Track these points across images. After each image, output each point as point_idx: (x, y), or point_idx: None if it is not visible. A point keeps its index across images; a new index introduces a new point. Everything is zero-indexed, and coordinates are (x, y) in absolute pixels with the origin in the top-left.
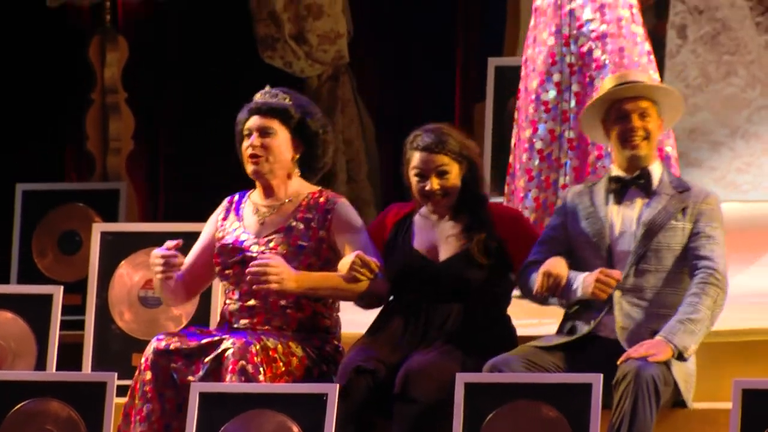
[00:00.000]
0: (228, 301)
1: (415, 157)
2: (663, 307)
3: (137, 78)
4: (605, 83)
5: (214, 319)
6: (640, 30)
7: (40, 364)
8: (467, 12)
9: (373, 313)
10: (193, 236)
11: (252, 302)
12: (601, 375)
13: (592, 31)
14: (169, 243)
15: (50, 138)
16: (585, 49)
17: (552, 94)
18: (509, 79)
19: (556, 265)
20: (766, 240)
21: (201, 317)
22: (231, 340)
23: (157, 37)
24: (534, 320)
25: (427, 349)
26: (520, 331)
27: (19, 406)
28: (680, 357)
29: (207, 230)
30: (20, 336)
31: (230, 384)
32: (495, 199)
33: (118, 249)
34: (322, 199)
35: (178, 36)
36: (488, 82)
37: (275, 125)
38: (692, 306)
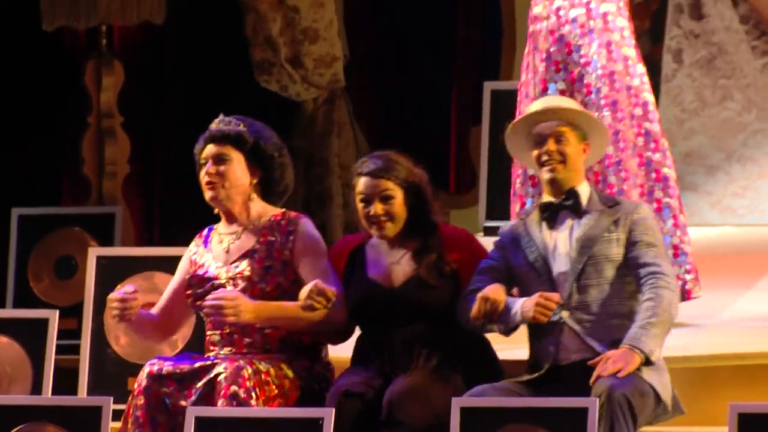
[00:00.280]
0: (209, 333)
1: (360, 183)
2: (612, 318)
3: (133, 102)
4: (529, 107)
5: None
6: (632, 52)
7: (36, 389)
8: (464, 36)
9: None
10: None
11: (229, 329)
12: (597, 399)
13: (582, 56)
14: (128, 288)
15: (46, 162)
16: (575, 74)
17: None
18: (505, 103)
19: (494, 290)
20: (762, 264)
21: (197, 341)
22: (223, 365)
23: (153, 62)
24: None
25: (406, 373)
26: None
27: (14, 430)
28: (647, 362)
29: (180, 269)
30: (16, 360)
31: (226, 408)
32: (497, 223)
33: (113, 273)
34: (284, 221)
35: (174, 60)
36: (484, 106)
37: (230, 151)
38: (650, 310)
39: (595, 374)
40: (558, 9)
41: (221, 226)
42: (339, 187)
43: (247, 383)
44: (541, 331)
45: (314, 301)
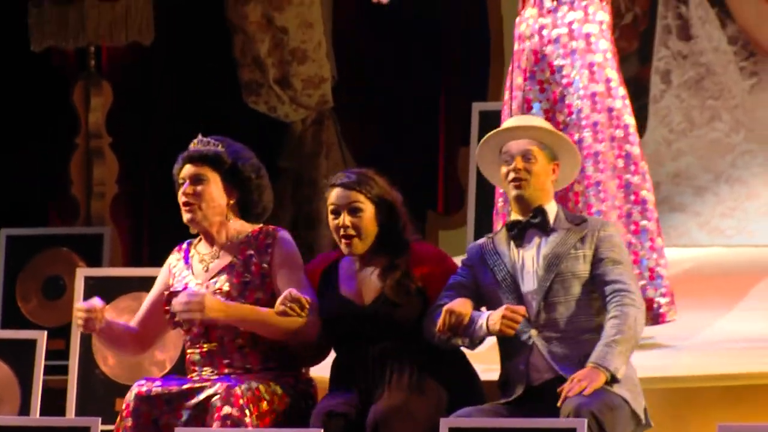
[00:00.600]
0: (189, 351)
1: (332, 194)
2: (581, 333)
3: (121, 123)
4: (502, 125)
5: None
6: (614, 74)
7: (24, 410)
8: (452, 57)
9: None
10: None
11: (207, 347)
12: (585, 420)
13: (564, 76)
14: (95, 301)
15: (34, 182)
16: (557, 94)
17: None
18: (494, 124)
19: (460, 304)
20: (748, 284)
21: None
22: (215, 386)
23: (141, 82)
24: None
25: (383, 390)
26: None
27: None
28: (613, 379)
29: (158, 282)
30: (4, 381)
31: (220, 429)
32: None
33: (102, 294)
34: (261, 235)
35: (163, 81)
36: (473, 126)
37: (207, 172)
38: (615, 328)
39: (562, 396)
40: (541, 28)
41: (201, 246)
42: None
43: (240, 401)
44: (511, 350)
45: (287, 308)
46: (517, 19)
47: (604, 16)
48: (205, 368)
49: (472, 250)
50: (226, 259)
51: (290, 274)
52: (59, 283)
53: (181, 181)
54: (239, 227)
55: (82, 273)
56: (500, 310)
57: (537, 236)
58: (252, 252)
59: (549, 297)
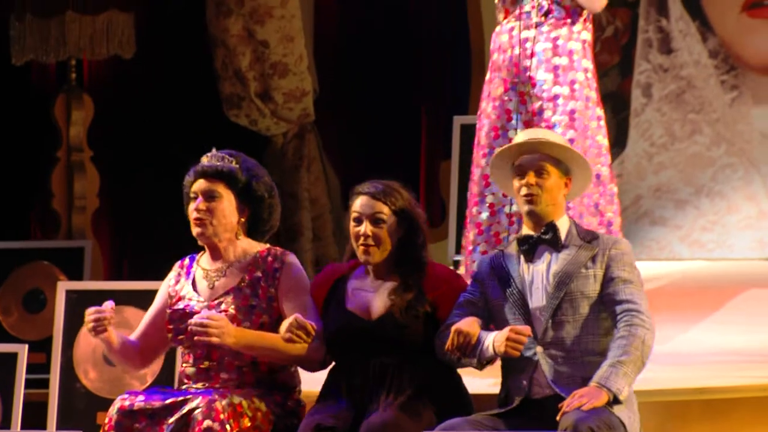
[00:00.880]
0: (184, 364)
1: (356, 202)
2: (587, 354)
3: (102, 136)
4: (515, 138)
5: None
6: (593, 94)
7: (5, 423)
8: (433, 71)
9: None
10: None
11: (207, 364)
12: None
13: (545, 91)
14: (107, 303)
15: (15, 196)
16: (536, 108)
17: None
18: (474, 138)
19: (469, 324)
20: (728, 298)
21: (166, 376)
22: (197, 400)
23: (122, 96)
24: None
25: (379, 407)
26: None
27: None
28: (615, 400)
29: (159, 296)
30: None
31: None
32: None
33: (83, 307)
34: (270, 258)
35: (144, 94)
36: (454, 140)
37: (221, 188)
38: (621, 348)
39: (561, 411)
40: (525, 41)
41: (205, 261)
42: (309, 221)
43: (221, 416)
44: (515, 365)
45: (294, 335)
46: (498, 29)
47: (587, 35)
48: (199, 383)
49: (482, 263)
50: (233, 279)
51: (296, 299)
52: (40, 296)
53: (193, 195)
54: (247, 246)
55: (63, 286)
56: (504, 332)
57: (548, 252)
58: (260, 274)
59: (557, 315)
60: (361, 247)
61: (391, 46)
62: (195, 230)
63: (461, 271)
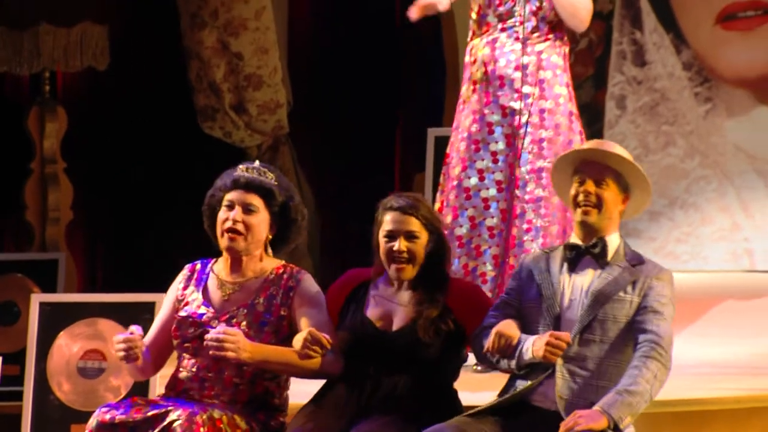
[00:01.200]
0: (181, 369)
1: (387, 218)
2: (603, 378)
3: (76, 148)
4: (582, 145)
5: (153, 390)
6: (575, 109)
7: None
8: (407, 83)
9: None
10: (132, 307)
11: (205, 375)
12: None
13: (531, 105)
14: (133, 329)
15: None
16: (521, 121)
17: (492, 153)
18: None
19: (509, 326)
20: (702, 309)
21: (140, 388)
22: (177, 412)
23: (96, 108)
24: (481, 393)
25: (369, 419)
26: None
27: None
28: (615, 429)
29: (168, 300)
30: None
31: None
32: None
33: (56, 319)
34: (285, 275)
35: (118, 106)
36: (428, 152)
37: (258, 202)
38: (632, 378)
39: (561, 429)
40: (510, 53)
41: (222, 270)
42: None
43: (201, 429)
44: (528, 368)
45: (310, 350)
46: (477, 41)
47: (566, 49)
48: (191, 390)
49: (526, 260)
50: (248, 294)
51: (311, 313)
52: (14, 309)
53: (228, 204)
54: (265, 263)
55: (36, 299)
56: (544, 337)
57: (592, 267)
58: (274, 292)
59: (585, 332)
60: (394, 265)
61: (365, 59)
62: (226, 242)
63: None
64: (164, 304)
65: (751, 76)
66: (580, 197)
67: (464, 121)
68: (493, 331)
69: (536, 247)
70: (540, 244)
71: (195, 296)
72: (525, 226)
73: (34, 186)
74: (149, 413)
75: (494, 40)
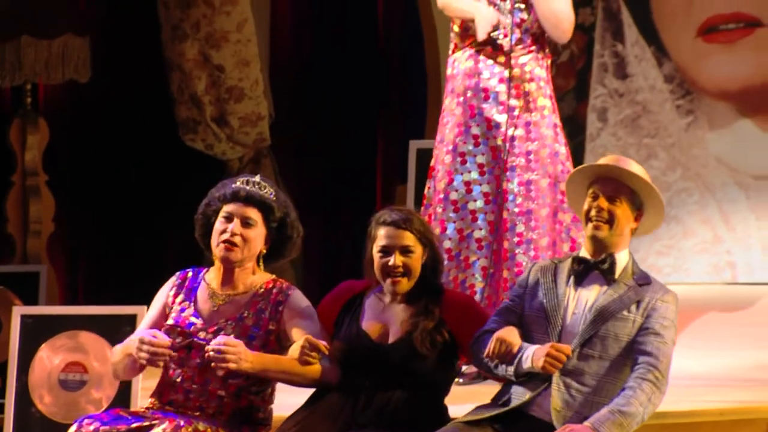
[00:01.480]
0: (167, 378)
1: (381, 233)
2: (599, 395)
3: (58, 160)
4: (598, 160)
5: (135, 402)
6: (558, 122)
7: None
8: (388, 95)
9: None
10: (114, 319)
11: (189, 386)
12: None
13: (517, 117)
14: (165, 338)
15: None
16: (508, 134)
17: (482, 161)
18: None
19: (510, 333)
20: (684, 322)
21: (122, 400)
22: (163, 425)
23: (78, 120)
24: (464, 406)
25: (360, 430)
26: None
27: None
28: None
29: (157, 305)
30: None
31: None
32: None
33: (38, 332)
34: (275, 290)
35: (99, 119)
36: (410, 164)
37: (256, 217)
38: (626, 398)
39: None
40: (492, 66)
41: (214, 280)
42: None
43: None
44: (525, 377)
45: (308, 357)
46: (460, 54)
47: (548, 61)
48: (176, 398)
49: (533, 267)
50: (237, 307)
51: (304, 323)
52: None
53: (226, 215)
54: (256, 276)
55: (18, 311)
56: (545, 348)
57: (598, 283)
58: (263, 306)
59: (585, 347)
60: (390, 279)
61: (347, 71)
62: (222, 253)
63: None
64: (153, 305)
65: (732, 88)
66: (593, 212)
67: (448, 134)
68: (494, 336)
69: (528, 260)
70: (531, 257)
71: (185, 305)
72: (516, 239)
73: (16, 198)
74: (134, 425)
75: (477, 53)
